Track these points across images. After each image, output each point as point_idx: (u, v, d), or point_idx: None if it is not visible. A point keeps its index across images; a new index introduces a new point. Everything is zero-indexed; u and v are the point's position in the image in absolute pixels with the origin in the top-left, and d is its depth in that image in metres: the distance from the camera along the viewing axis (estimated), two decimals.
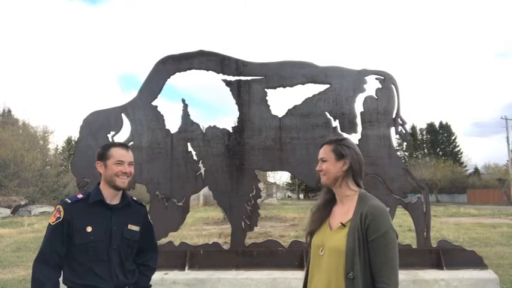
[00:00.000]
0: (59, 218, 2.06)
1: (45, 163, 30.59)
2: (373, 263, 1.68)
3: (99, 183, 2.22)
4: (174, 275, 4.35)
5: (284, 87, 4.96)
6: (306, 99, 4.93)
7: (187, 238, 10.14)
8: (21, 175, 26.24)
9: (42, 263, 2.04)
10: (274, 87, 4.97)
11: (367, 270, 1.68)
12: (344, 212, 1.82)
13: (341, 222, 1.78)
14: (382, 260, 1.67)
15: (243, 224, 4.80)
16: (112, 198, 2.19)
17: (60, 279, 2.09)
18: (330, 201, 1.92)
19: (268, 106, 4.93)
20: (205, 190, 5.48)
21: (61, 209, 2.09)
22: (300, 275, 4.21)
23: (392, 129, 4.86)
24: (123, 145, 2.30)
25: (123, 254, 2.17)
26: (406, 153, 55.77)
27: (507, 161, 43.11)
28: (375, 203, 1.76)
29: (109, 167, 2.16)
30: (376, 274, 1.67)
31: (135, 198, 2.34)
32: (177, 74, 5.07)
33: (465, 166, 54.30)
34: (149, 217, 2.40)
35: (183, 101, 5.00)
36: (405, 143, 47.21)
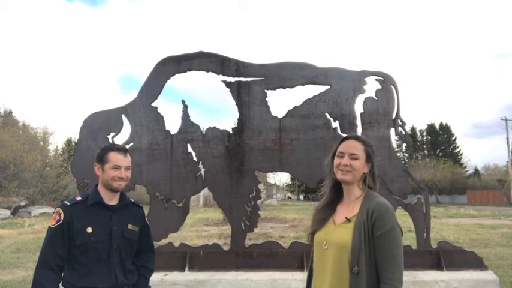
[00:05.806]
0: (59, 220, 2.09)
1: (45, 164, 30.56)
2: (378, 259, 1.69)
3: (97, 185, 2.24)
4: (174, 276, 4.35)
5: (284, 88, 4.96)
6: (305, 101, 4.93)
7: (187, 239, 10.13)
8: (21, 176, 26.21)
9: (44, 266, 2.04)
10: (274, 89, 4.97)
11: (372, 265, 1.69)
12: (349, 209, 1.84)
13: (346, 217, 1.80)
14: (387, 256, 1.68)
15: (243, 225, 4.80)
16: (110, 199, 2.21)
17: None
18: (335, 200, 1.94)
19: (268, 107, 4.94)
20: (206, 191, 5.48)
21: (60, 211, 2.11)
22: (299, 276, 4.22)
23: (392, 130, 4.86)
24: (121, 149, 2.26)
25: (123, 254, 2.19)
26: (406, 155, 55.75)
27: (507, 162, 43.09)
28: (381, 200, 1.79)
29: (106, 171, 2.17)
30: (381, 269, 1.68)
31: (132, 200, 2.36)
32: (177, 75, 5.07)
33: (465, 167, 54.25)
34: (146, 219, 2.42)
35: (183, 102, 5.00)
36: (405, 144, 47.20)
